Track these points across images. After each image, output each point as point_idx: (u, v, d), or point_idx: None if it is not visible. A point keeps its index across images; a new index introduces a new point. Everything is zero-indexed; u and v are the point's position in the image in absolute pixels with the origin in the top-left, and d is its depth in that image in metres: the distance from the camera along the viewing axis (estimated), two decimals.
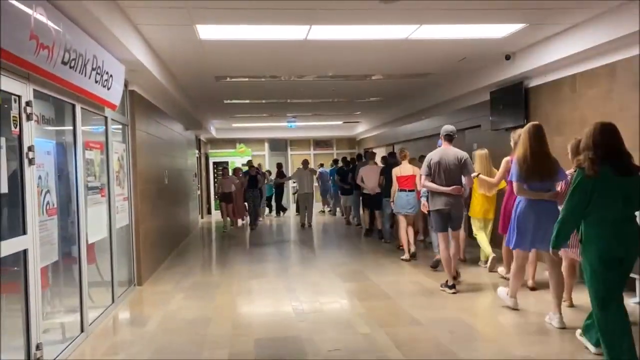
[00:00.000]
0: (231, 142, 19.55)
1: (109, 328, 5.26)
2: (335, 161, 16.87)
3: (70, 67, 4.07)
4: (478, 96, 9.09)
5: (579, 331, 4.23)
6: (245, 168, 14.50)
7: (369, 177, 10.13)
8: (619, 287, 3.53)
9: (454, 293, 5.94)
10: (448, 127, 6.28)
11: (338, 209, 16.57)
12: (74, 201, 4.75)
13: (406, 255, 8.08)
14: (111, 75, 5.14)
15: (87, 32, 4.41)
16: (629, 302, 4.42)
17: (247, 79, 8.88)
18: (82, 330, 4.74)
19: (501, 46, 6.96)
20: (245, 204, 13.69)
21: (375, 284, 6.61)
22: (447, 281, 6.08)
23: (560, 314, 4.65)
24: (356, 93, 11.11)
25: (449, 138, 6.18)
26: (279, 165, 15.87)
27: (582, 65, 6.43)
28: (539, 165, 4.65)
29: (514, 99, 7.86)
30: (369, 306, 5.59)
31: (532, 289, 5.97)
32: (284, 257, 9.07)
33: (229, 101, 11.61)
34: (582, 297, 4.76)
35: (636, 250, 3.54)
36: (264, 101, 11.88)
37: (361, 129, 18.30)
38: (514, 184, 4.84)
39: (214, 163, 18.21)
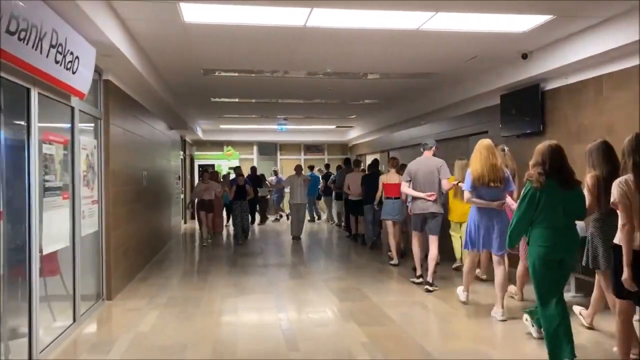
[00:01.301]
0: (218, 145, 18.75)
1: (67, 355, 4.43)
2: (311, 167, 16.50)
3: (20, 40, 3.31)
4: (486, 100, 8.44)
5: (525, 316, 4.77)
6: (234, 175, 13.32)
7: (354, 184, 10.47)
8: (558, 285, 3.98)
9: (419, 283, 6.64)
10: (430, 141, 7.00)
11: (323, 216, 16.01)
12: (25, 204, 3.96)
13: (395, 260, 8.35)
14: (77, 57, 4.37)
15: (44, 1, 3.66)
16: (566, 295, 4.97)
17: (236, 74, 8.13)
18: None
19: (519, 43, 6.30)
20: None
21: (376, 305, 5.87)
22: (415, 271, 6.86)
23: (503, 308, 5.23)
24: (351, 94, 10.40)
25: (429, 148, 6.78)
26: (253, 169, 14.96)
27: (611, 66, 5.78)
28: (490, 177, 5.21)
29: (529, 103, 7.20)
30: (371, 333, 4.85)
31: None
32: (272, 270, 8.30)
33: (216, 99, 10.84)
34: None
35: (574, 254, 4.05)
36: (253, 100, 11.13)
37: (354, 134, 17.58)
38: (465, 193, 5.44)
39: (200, 166, 17.40)
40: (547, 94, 7.00)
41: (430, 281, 6.37)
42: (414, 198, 6.61)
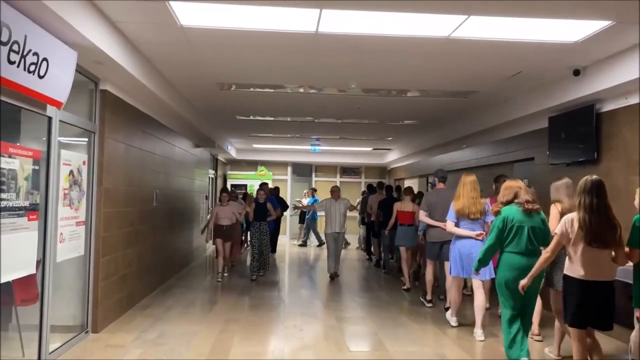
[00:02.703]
0: (253, 164, 18.27)
1: None
2: (314, 190, 16.50)
3: None
4: (532, 122, 7.51)
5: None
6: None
7: (376, 205, 10.86)
8: (523, 307, 4.52)
9: (430, 307, 7.12)
10: (441, 171, 7.32)
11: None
12: None
13: (407, 285, 8.59)
14: (45, 59, 3.82)
15: None
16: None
17: (252, 89, 7.52)
18: None
19: (569, 56, 5.43)
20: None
21: (391, 356, 5.01)
22: (426, 296, 7.26)
23: (482, 328, 5.72)
24: (385, 114, 9.63)
25: (443, 180, 7.20)
26: (276, 190, 14.22)
27: None
28: (470, 210, 5.81)
29: (581, 127, 6.24)
30: None
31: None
32: (284, 304, 7.52)
33: (242, 117, 10.30)
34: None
35: (538, 279, 4.42)
36: (288, 119, 10.45)
37: (393, 157, 16.72)
38: (447, 223, 6.00)
39: (232, 185, 16.93)
40: (603, 117, 6.03)
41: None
42: (430, 226, 6.98)
